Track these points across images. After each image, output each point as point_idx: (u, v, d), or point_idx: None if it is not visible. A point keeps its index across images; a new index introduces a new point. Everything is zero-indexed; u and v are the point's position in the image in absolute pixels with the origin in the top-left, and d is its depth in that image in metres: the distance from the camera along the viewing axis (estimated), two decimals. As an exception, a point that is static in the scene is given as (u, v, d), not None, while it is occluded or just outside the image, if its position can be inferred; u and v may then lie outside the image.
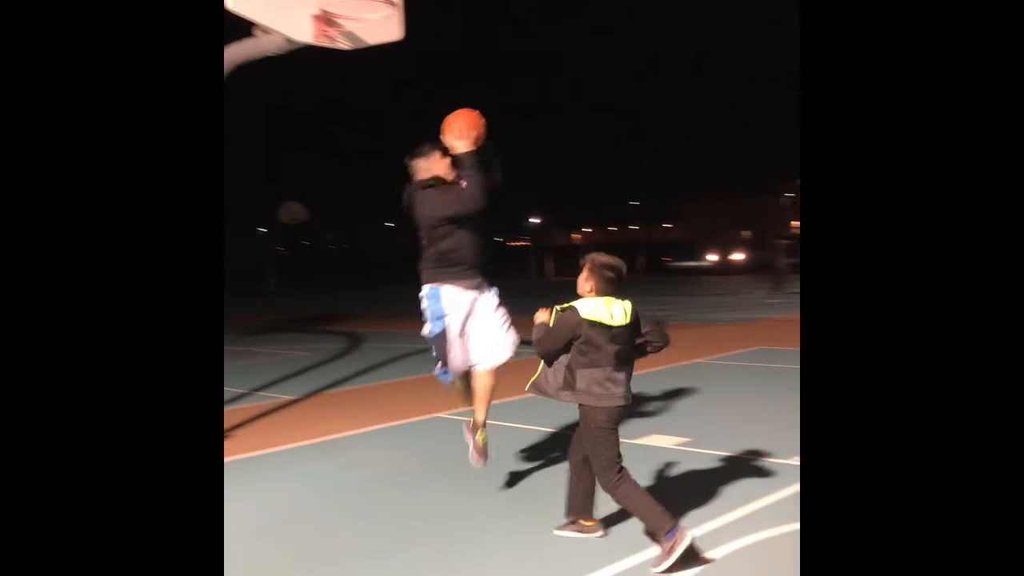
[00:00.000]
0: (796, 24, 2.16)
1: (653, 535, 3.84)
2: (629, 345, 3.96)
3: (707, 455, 5.58)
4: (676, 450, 5.73)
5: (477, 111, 4.70)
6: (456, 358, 4.81)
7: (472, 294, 4.74)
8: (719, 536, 4.05)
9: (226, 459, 6.01)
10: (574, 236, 74.31)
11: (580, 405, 3.91)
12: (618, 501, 3.93)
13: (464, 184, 4.57)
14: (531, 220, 58.21)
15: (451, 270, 4.71)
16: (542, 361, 4.04)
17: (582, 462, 4.04)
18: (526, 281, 33.72)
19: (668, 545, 3.66)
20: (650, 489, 4.78)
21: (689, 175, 53.50)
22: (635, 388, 4.04)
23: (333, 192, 49.82)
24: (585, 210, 67.41)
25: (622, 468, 3.90)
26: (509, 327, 4.85)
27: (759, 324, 14.53)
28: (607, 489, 3.90)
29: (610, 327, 3.87)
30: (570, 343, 3.88)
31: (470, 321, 4.75)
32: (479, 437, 4.79)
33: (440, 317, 4.75)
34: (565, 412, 6.74)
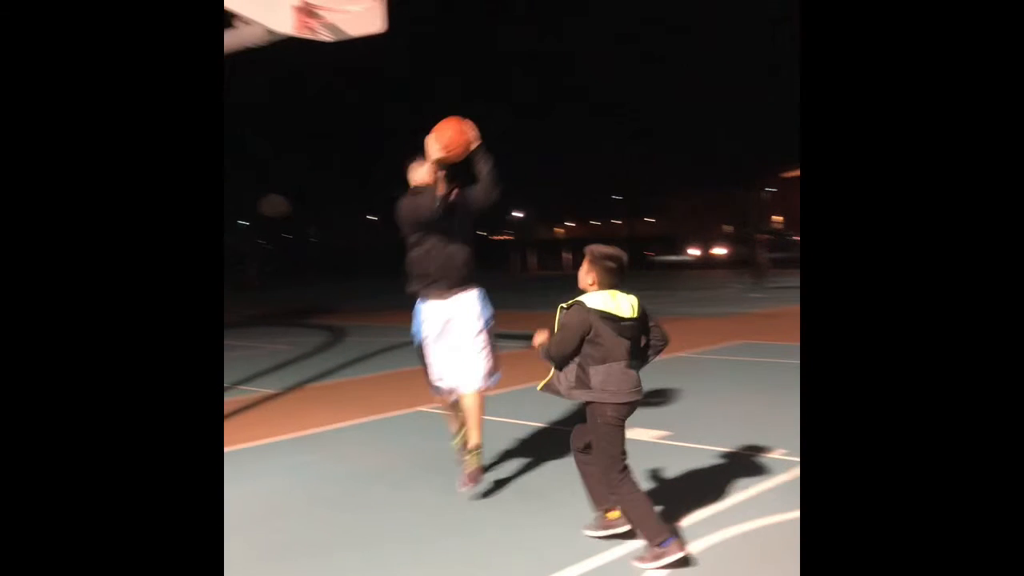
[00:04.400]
0: (789, 21, 2.15)
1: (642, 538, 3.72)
2: (637, 341, 3.83)
3: (691, 449, 5.58)
4: (658, 444, 5.73)
5: (463, 122, 4.41)
6: (433, 376, 4.72)
7: (448, 310, 4.58)
8: (697, 530, 4.05)
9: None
10: (557, 230, 74.45)
11: (590, 402, 3.75)
12: (617, 501, 3.80)
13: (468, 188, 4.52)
14: (514, 214, 58.20)
15: (424, 282, 4.58)
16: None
17: (582, 450, 3.93)
18: (509, 275, 33.70)
19: (658, 552, 3.61)
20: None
21: (671, 169, 53.67)
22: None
23: (316, 185, 49.59)
24: (568, 204, 67.49)
25: (626, 467, 3.76)
26: (487, 354, 4.62)
27: (742, 318, 14.57)
28: (610, 487, 3.77)
29: (620, 319, 3.73)
30: (582, 341, 3.71)
31: (446, 340, 4.60)
32: (470, 460, 4.60)
33: (416, 332, 4.67)
34: (556, 407, 6.75)
